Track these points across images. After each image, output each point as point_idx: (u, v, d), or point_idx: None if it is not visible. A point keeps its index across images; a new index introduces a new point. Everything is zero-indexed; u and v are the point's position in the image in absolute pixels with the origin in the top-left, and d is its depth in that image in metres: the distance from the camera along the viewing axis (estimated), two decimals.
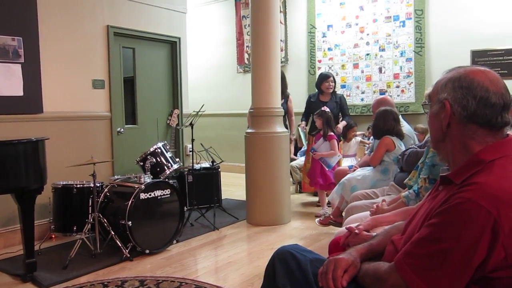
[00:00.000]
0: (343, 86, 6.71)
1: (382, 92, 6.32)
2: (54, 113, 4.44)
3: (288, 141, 4.92)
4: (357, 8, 6.56)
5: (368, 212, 2.73)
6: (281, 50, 7.00)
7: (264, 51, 4.66)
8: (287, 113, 5.70)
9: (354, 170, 4.28)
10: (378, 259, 1.49)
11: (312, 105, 5.55)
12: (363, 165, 4.32)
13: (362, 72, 6.59)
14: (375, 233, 1.79)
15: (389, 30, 6.30)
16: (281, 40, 6.84)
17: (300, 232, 4.46)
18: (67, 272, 3.41)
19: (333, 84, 5.55)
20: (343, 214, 3.82)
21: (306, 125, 5.76)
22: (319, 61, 6.99)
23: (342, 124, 5.40)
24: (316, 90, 5.72)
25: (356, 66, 6.64)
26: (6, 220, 4.05)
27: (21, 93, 4.18)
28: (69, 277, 3.31)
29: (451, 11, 5.83)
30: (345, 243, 1.92)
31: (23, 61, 4.19)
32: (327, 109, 5.02)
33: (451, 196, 1.23)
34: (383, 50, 6.39)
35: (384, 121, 3.84)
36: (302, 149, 6.24)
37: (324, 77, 5.55)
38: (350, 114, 6.44)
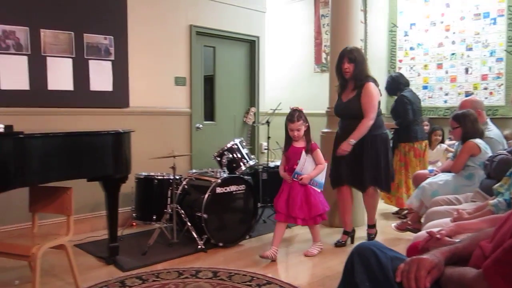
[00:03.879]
0: (424, 87, 6.42)
1: (467, 94, 5.96)
2: (139, 107, 4.70)
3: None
4: (442, 5, 6.24)
5: (449, 219, 2.59)
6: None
7: None
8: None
9: (435, 174, 4.08)
10: (462, 264, 1.41)
11: None
12: (445, 170, 4.11)
13: (447, 72, 6.25)
14: (458, 240, 1.70)
15: (477, 28, 5.93)
16: (360, 40, 6.69)
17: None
18: (145, 258, 3.59)
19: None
20: (422, 220, 3.67)
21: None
22: (400, 61, 6.74)
23: (388, 124, 4.70)
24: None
25: (439, 66, 6.31)
26: (93, 206, 4.35)
27: (110, 89, 4.47)
28: (148, 263, 3.49)
29: None
30: (425, 248, 1.84)
31: (113, 59, 4.48)
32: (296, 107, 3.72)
33: None
34: (470, 49, 6.02)
35: (464, 125, 3.66)
36: None
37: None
38: (432, 117, 6.16)
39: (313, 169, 3.63)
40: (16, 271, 3.28)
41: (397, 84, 5.05)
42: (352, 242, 4.08)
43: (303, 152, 3.61)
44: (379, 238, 4.22)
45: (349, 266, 1.51)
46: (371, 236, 4.12)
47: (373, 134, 3.75)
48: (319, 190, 3.68)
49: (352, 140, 3.68)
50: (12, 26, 3.86)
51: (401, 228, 4.13)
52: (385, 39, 6.93)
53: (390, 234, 4.29)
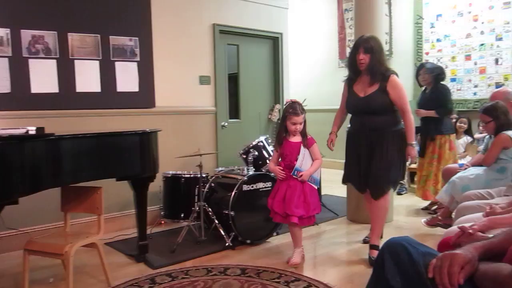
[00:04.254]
0: (453, 80, 6.29)
1: (498, 85, 5.80)
2: (165, 107, 4.76)
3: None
4: None
5: (481, 214, 2.53)
6: (385, 43, 6.75)
7: None
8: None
9: (465, 168, 3.99)
10: (497, 260, 1.37)
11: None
12: (475, 164, 4.02)
13: (475, 64, 6.11)
14: (491, 235, 1.65)
15: (507, 17, 5.76)
16: (385, 33, 6.59)
17: (402, 231, 4.26)
18: (174, 256, 3.63)
19: (427, 75, 4.79)
20: (453, 215, 3.59)
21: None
22: (427, 53, 6.61)
23: (426, 112, 4.71)
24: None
25: (468, 57, 6.17)
26: (123, 205, 4.43)
27: (136, 89, 4.54)
28: (176, 260, 3.53)
29: None
30: (457, 243, 1.80)
31: (138, 60, 4.54)
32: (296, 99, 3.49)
33: None
34: (500, 39, 5.85)
35: (497, 118, 3.58)
36: None
37: (417, 69, 5.05)
38: (461, 109, 6.02)
39: (310, 164, 3.40)
40: (50, 269, 3.37)
41: (442, 75, 4.88)
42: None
43: (301, 147, 3.37)
44: (408, 235, 4.15)
45: (380, 261, 1.48)
46: (373, 259, 3.44)
47: (395, 130, 3.42)
48: (316, 187, 3.45)
49: (414, 143, 3.40)
50: (41, 31, 3.96)
51: (431, 224, 4.05)
52: (411, 31, 6.82)
53: (419, 230, 4.22)
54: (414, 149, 3.41)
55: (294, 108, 3.33)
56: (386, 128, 3.40)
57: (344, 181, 3.72)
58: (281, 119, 3.47)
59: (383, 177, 3.41)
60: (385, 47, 6.39)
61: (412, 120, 3.39)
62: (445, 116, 4.73)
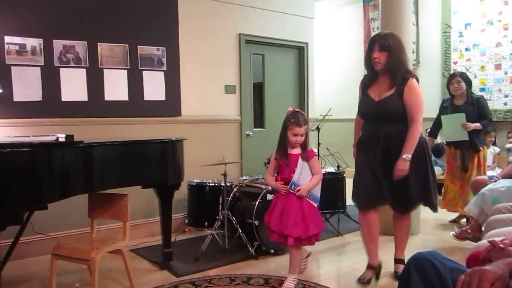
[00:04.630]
0: (482, 89, 6.16)
1: None
2: (191, 116, 4.81)
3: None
4: (500, 3, 5.97)
5: None
6: (412, 52, 6.66)
7: None
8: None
9: (495, 180, 3.88)
10: None
11: (445, 112, 4.77)
12: (506, 176, 3.90)
13: (506, 73, 5.97)
14: None
15: None
16: (412, 42, 6.52)
17: (430, 244, 4.17)
18: (198, 264, 3.65)
19: (463, 84, 4.60)
20: (483, 228, 3.49)
21: (432, 142, 4.97)
22: (455, 63, 6.50)
23: (474, 125, 4.49)
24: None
25: (498, 67, 6.04)
26: (148, 212, 4.48)
27: (163, 98, 4.61)
28: (200, 269, 3.54)
29: None
30: (486, 258, 1.74)
31: (165, 69, 4.61)
32: (297, 109, 3.17)
33: None
34: None
35: None
36: None
37: (449, 78, 4.83)
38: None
39: (309, 179, 3.07)
40: (77, 274, 3.43)
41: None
42: (377, 278, 3.33)
43: (300, 160, 3.05)
44: (436, 248, 4.06)
45: (405, 276, 1.45)
46: (398, 274, 3.22)
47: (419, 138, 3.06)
48: (315, 205, 3.12)
49: (408, 155, 2.97)
50: (72, 41, 4.07)
51: (460, 237, 3.95)
52: (439, 40, 6.73)
53: (447, 243, 4.12)
54: (405, 163, 2.98)
55: (296, 117, 3.02)
56: (403, 137, 3.03)
57: (353, 198, 3.30)
58: (282, 128, 3.11)
59: (412, 190, 3.10)
60: (412, 57, 6.32)
61: (417, 133, 3.00)
62: (481, 129, 4.61)
